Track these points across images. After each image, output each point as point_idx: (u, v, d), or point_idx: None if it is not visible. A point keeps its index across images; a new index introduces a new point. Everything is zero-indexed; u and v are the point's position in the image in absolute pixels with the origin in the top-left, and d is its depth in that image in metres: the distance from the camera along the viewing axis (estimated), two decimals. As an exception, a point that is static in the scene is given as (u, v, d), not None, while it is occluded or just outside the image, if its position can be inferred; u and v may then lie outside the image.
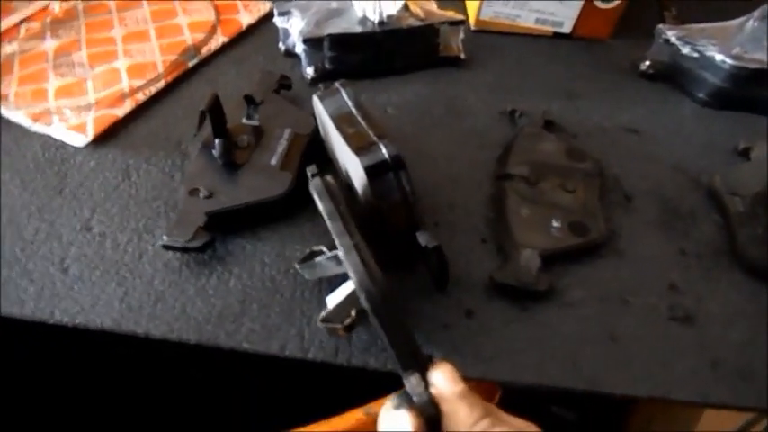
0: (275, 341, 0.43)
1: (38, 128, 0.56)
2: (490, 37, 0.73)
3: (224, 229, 0.48)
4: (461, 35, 0.68)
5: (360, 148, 0.43)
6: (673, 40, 0.66)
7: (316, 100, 0.48)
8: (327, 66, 0.64)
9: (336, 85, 0.48)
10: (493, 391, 0.46)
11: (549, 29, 0.74)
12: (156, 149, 0.55)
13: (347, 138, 0.44)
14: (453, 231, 0.50)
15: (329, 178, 0.40)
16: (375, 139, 0.43)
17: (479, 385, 0.42)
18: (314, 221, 0.50)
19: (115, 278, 0.45)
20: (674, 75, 0.67)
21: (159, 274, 0.46)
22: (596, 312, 0.45)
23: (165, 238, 0.45)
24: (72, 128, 0.55)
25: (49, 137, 0.55)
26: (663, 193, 0.55)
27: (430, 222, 0.51)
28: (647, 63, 0.68)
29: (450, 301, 0.45)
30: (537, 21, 0.73)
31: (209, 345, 0.42)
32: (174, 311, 0.44)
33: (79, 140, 0.55)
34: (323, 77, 0.64)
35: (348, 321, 0.40)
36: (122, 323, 0.43)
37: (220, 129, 0.50)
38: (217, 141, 0.49)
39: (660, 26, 0.68)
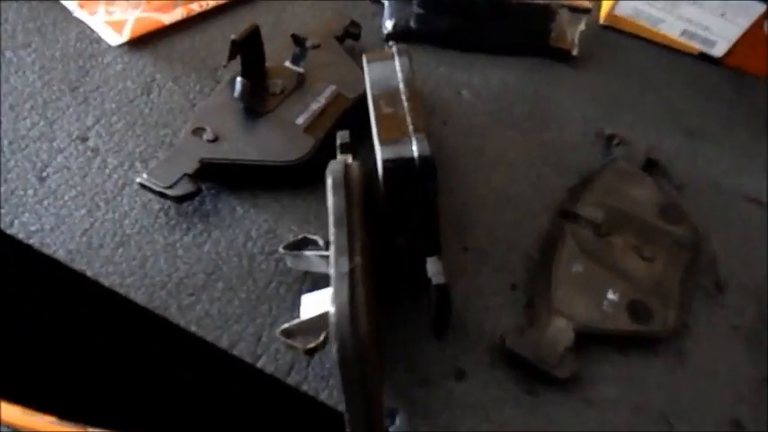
0: (228, 335, 0.36)
1: (80, 14, 0.51)
2: (619, 38, 0.60)
3: (220, 181, 0.41)
4: (582, 27, 0.56)
5: (387, 135, 0.34)
6: None
7: (364, 61, 0.39)
8: (412, 24, 0.54)
9: (393, 49, 0.39)
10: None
11: (696, 46, 0.59)
12: (190, 70, 0.49)
13: (379, 119, 0.35)
14: (482, 263, 0.41)
15: (355, 165, 0.32)
16: (410, 129, 0.34)
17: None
18: (322, 203, 0.41)
19: (88, 204, 0.40)
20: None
21: (133, 215, 0.40)
22: (623, 424, 0.35)
23: (144, 175, 0.38)
24: (111, 23, 0.50)
25: (88, 27, 0.50)
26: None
27: (458, 245, 0.41)
28: (808, 121, 0.53)
29: (444, 352, 0.36)
30: (683, 33, 0.59)
31: (156, 313, 0.36)
32: (132, 263, 0.38)
33: (114, 38, 0.49)
34: (403, 36, 0.54)
35: (312, 345, 0.32)
36: (76, 258, 0.38)
37: (252, 67, 0.43)
38: (238, 80, 0.42)
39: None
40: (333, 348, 0.27)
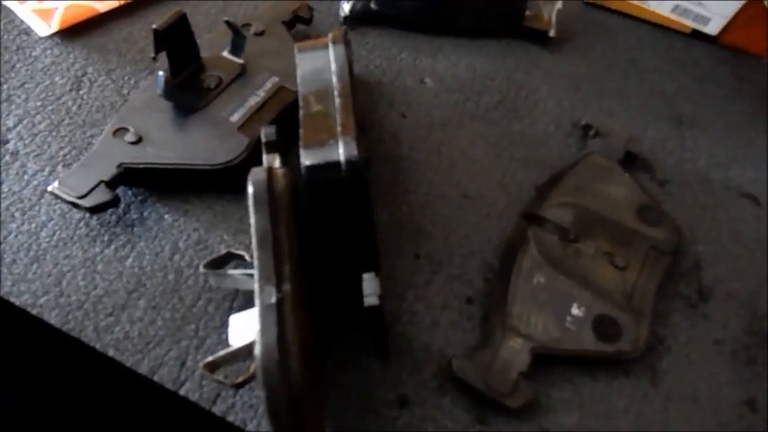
0: (149, 359, 0.32)
1: (9, 3, 0.47)
2: (604, 15, 0.55)
3: (147, 186, 0.38)
4: (559, 5, 0.51)
5: (312, 137, 0.30)
6: None
7: (296, 51, 0.35)
8: (373, 5, 0.50)
9: (328, 37, 0.35)
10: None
11: (689, 23, 0.54)
12: (125, 62, 0.45)
13: (306, 118, 0.31)
14: (435, 273, 0.37)
15: (281, 172, 0.28)
16: (339, 129, 0.30)
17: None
18: (259, 210, 0.38)
19: (2, 215, 0.37)
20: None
21: (50, 226, 0.36)
22: (585, 459, 0.31)
23: (55, 183, 0.35)
24: (39, 11, 0.46)
25: (17, 17, 0.46)
26: (758, 306, 0.38)
27: (408, 251, 0.37)
28: (811, 105, 0.48)
29: (388, 376, 0.33)
30: (675, 9, 0.54)
31: (71, 335, 0.33)
32: (47, 280, 0.34)
33: (42, 29, 0.45)
34: (363, 18, 0.50)
35: (241, 379, 0.28)
36: (-18, 275, 0.34)
37: (182, 59, 0.39)
38: (159, 75, 0.37)
39: None
40: (261, 394, 0.23)
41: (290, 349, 0.24)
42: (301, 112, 0.32)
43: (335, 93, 0.32)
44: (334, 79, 0.33)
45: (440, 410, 0.32)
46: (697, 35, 0.54)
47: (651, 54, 0.52)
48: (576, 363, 0.33)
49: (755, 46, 0.53)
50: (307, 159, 0.29)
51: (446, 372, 0.32)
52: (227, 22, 0.40)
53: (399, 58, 0.48)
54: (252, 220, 0.27)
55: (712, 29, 0.53)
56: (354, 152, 0.29)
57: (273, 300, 0.25)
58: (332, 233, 0.31)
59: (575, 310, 0.34)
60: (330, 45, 0.34)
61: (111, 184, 0.35)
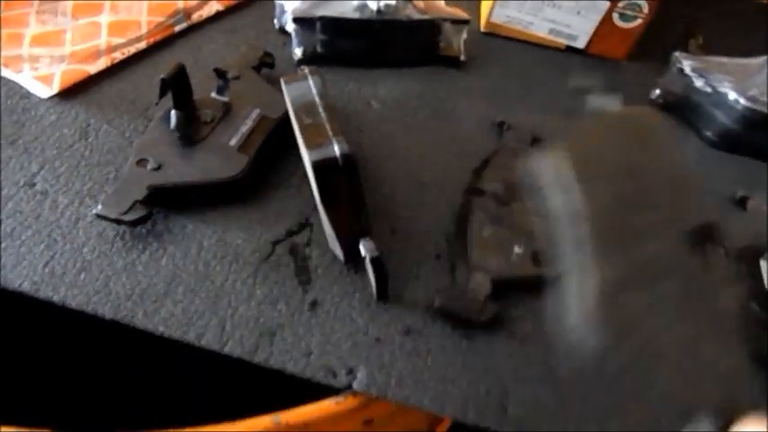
0: (193, 329, 0.40)
1: (6, 73, 0.54)
2: (498, 42, 0.70)
3: (168, 204, 0.46)
4: (464, 35, 0.64)
5: (312, 141, 0.40)
6: (687, 70, 0.61)
7: (282, 84, 0.45)
8: (319, 49, 0.61)
9: (305, 70, 0.45)
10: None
11: (563, 41, 0.70)
12: (121, 112, 0.53)
13: (302, 129, 0.42)
14: (408, 241, 0.47)
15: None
16: (330, 133, 0.41)
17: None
18: (263, 211, 0.47)
19: (45, 240, 0.43)
20: (683, 108, 0.62)
21: (91, 243, 0.44)
22: (542, 352, 0.42)
23: (99, 207, 0.42)
24: (39, 78, 0.53)
25: (16, 84, 0.54)
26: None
27: (387, 227, 0.48)
28: (658, 92, 0.63)
29: (390, 315, 0.43)
30: (551, 31, 0.69)
31: (125, 322, 0.40)
32: (96, 283, 0.42)
33: (44, 92, 0.53)
34: (312, 60, 0.61)
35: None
36: (41, 288, 0.41)
37: (183, 100, 0.48)
38: (173, 113, 0.46)
39: (676, 54, 0.63)
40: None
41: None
42: (296, 125, 0.42)
43: (320, 108, 0.43)
44: (317, 98, 0.43)
45: (434, 334, 0.42)
46: (570, 49, 0.70)
47: (539, 67, 0.67)
48: (523, 287, 0.45)
49: (614, 52, 0.69)
50: (312, 157, 0.39)
51: (431, 307, 0.43)
52: (216, 70, 0.50)
53: (347, 88, 0.60)
54: None
55: (580, 43, 0.69)
56: (346, 148, 0.39)
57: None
58: (332, 209, 0.41)
59: (516, 250, 0.45)
60: (309, 76, 0.45)
61: (144, 202, 0.43)
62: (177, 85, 0.47)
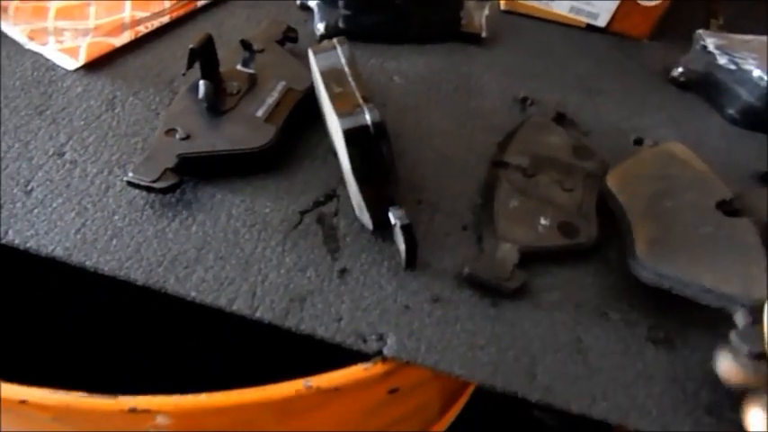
0: (225, 295, 0.41)
1: (32, 46, 0.54)
2: (519, 19, 0.69)
3: (197, 173, 0.46)
4: (486, 12, 0.64)
5: (343, 109, 0.40)
6: (711, 48, 0.61)
7: (310, 54, 0.45)
8: (341, 24, 0.61)
9: (334, 41, 0.45)
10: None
11: (584, 20, 0.69)
12: (147, 84, 0.53)
13: (332, 97, 0.42)
14: (435, 212, 0.47)
15: None
16: (360, 101, 0.41)
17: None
18: (290, 181, 0.47)
19: (76, 208, 0.44)
20: (706, 85, 0.62)
21: (121, 211, 0.44)
22: (569, 319, 0.42)
23: (130, 174, 0.43)
24: (65, 50, 0.53)
25: (42, 56, 0.54)
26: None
27: (412, 199, 0.48)
28: (680, 70, 0.63)
29: (418, 283, 0.43)
30: (572, 9, 0.69)
31: (156, 288, 0.41)
32: (128, 249, 0.42)
33: (70, 64, 0.53)
34: (334, 35, 0.60)
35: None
36: (73, 254, 0.41)
37: (210, 71, 0.48)
38: (201, 83, 0.47)
39: (699, 31, 0.63)
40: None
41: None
42: (326, 94, 0.42)
43: (349, 77, 0.43)
44: (346, 68, 0.43)
45: (462, 301, 0.42)
46: (591, 28, 0.69)
47: (559, 45, 0.67)
48: (550, 257, 0.45)
49: (635, 31, 0.69)
50: (344, 125, 0.39)
51: (459, 275, 0.43)
52: (243, 41, 0.50)
53: (369, 63, 0.60)
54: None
55: (601, 21, 0.69)
56: (377, 115, 0.40)
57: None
58: (363, 177, 0.41)
59: (543, 221, 0.46)
60: (337, 45, 0.45)
61: (174, 170, 0.43)
62: (205, 56, 0.47)
